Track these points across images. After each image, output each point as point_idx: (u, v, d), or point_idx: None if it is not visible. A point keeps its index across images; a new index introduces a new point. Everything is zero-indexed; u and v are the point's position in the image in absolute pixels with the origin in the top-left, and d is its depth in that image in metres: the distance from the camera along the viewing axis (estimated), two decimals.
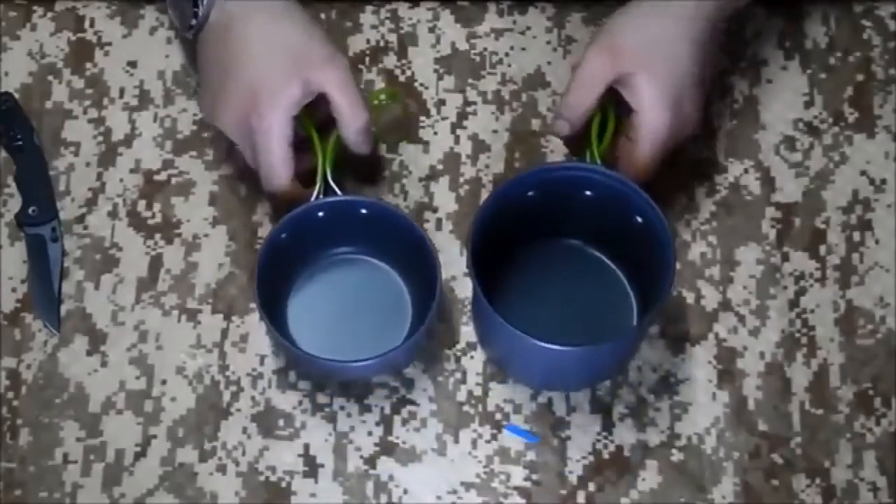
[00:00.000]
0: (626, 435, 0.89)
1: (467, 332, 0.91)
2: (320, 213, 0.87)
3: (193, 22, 0.87)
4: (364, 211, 0.88)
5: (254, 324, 0.91)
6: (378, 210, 0.88)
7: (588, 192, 0.86)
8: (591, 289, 0.91)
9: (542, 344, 0.81)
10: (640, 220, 0.85)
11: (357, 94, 0.86)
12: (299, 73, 0.84)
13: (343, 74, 0.86)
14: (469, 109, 0.97)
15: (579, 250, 0.92)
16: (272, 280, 0.86)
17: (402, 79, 0.97)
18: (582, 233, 0.91)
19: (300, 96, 0.84)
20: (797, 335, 0.91)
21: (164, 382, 0.90)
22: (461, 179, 0.95)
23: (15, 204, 0.93)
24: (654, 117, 0.84)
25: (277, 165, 0.84)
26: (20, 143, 0.94)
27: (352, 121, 0.86)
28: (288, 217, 0.86)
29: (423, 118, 0.96)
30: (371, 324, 0.90)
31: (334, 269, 0.92)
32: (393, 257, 0.91)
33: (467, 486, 0.88)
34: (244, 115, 0.84)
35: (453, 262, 0.93)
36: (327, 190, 0.87)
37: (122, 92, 0.98)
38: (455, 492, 0.88)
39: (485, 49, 0.98)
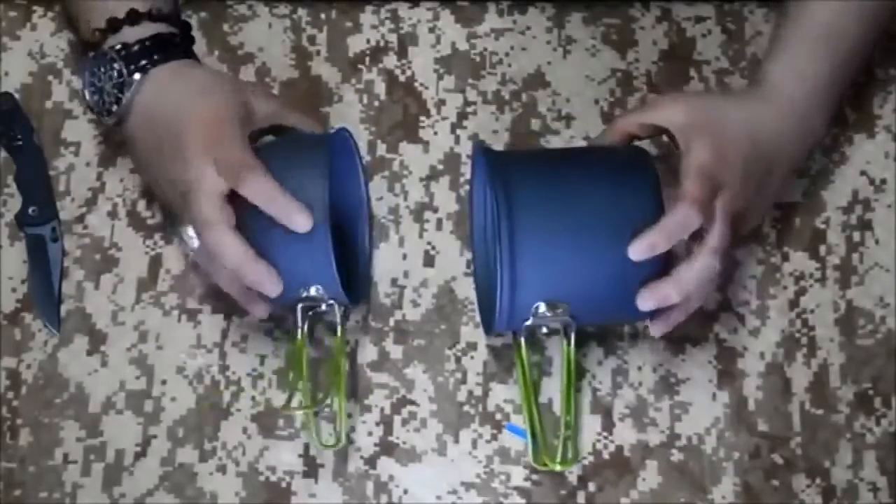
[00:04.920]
0: (626, 435, 0.89)
1: (467, 331, 0.91)
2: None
3: (115, 108, 0.83)
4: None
5: (254, 324, 0.91)
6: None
7: None
8: None
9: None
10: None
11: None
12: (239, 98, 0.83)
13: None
14: (469, 109, 0.97)
15: None
16: None
17: (402, 79, 0.97)
18: None
19: (246, 114, 0.82)
20: (797, 335, 0.91)
21: (164, 382, 0.90)
22: (461, 179, 0.95)
23: (15, 204, 0.93)
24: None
25: (236, 165, 0.78)
26: (20, 143, 0.94)
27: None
28: None
29: (423, 118, 0.96)
30: None
31: None
32: None
33: (467, 486, 0.88)
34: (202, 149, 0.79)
35: (453, 262, 0.93)
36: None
37: None
38: (455, 492, 0.88)
39: (485, 49, 0.98)
